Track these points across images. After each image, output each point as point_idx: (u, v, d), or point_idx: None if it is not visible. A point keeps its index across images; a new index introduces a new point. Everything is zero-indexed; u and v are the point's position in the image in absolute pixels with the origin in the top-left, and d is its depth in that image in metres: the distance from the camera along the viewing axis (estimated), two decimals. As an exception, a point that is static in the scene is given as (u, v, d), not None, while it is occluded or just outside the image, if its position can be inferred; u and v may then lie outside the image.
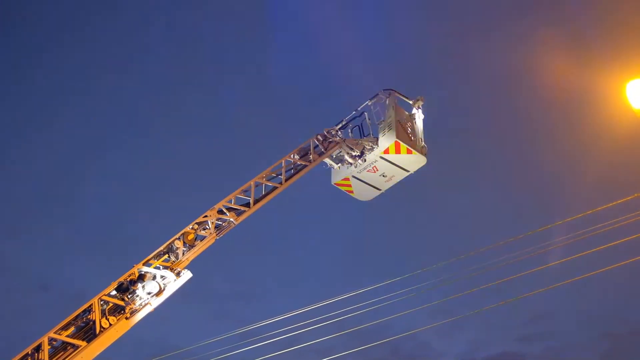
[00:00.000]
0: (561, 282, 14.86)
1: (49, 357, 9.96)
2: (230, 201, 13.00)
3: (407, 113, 15.41)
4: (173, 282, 11.68)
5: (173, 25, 40.81)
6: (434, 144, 15.34)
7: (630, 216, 14.98)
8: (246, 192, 13.22)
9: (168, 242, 12.03)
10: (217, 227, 12.65)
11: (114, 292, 11.17)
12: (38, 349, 10.01)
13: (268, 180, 13.58)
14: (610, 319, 35.48)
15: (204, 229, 12.55)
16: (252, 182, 13.29)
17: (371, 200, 15.59)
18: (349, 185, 15.13)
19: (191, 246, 12.23)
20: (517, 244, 16.27)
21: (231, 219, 12.72)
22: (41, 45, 39.06)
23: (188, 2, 40.52)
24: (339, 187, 15.28)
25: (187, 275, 11.91)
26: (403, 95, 15.55)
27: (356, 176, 14.90)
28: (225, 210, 12.80)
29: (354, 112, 15.30)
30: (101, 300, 10.92)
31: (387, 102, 15.20)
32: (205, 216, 12.59)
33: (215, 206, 12.79)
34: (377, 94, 15.29)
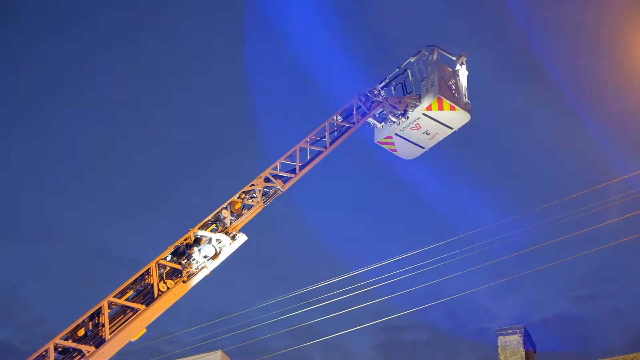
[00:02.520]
0: (618, 240, 14.26)
1: (109, 321, 10.39)
2: (275, 168, 13.04)
3: (450, 70, 14.97)
4: (229, 246, 11.92)
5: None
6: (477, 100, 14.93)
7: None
8: (291, 157, 13.22)
9: (215, 212, 12.17)
10: (264, 194, 12.72)
11: (170, 257, 11.50)
12: (98, 313, 10.49)
13: (312, 144, 13.52)
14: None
15: (252, 198, 12.63)
16: (297, 148, 13.26)
17: (415, 158, 15.35)
18: (392, 144, 14.89)
19: (238, 215, 12.36)
20: (573, 202, 15.76)
21: (278, 186, 12.77)
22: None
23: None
24: (382, 145, 15.06)
25: (242, 238, 12.13)
26: (446, 52, 15.11)
27: (399, 134, 14.62)
28: (271, 178, 12.85)
29: (397, 70, 14.97)
30: (158, 265, 11.27)
31: (431, 58, 14.78)
32: (252, 185, 12.68)
33: (261, 174, 12.85)
34: (420, 51, 14.88)
